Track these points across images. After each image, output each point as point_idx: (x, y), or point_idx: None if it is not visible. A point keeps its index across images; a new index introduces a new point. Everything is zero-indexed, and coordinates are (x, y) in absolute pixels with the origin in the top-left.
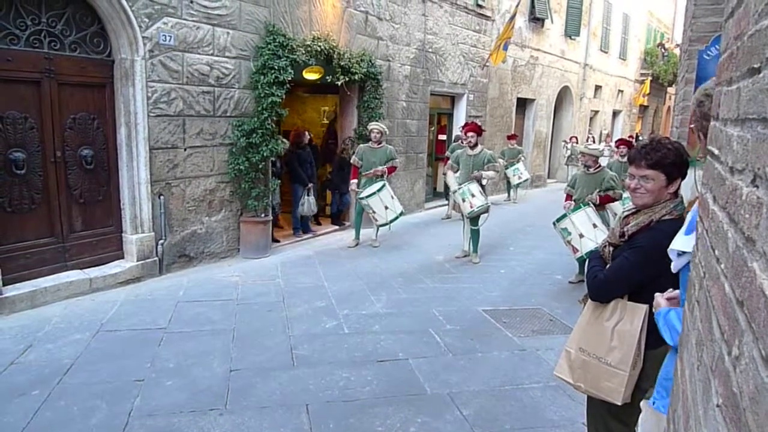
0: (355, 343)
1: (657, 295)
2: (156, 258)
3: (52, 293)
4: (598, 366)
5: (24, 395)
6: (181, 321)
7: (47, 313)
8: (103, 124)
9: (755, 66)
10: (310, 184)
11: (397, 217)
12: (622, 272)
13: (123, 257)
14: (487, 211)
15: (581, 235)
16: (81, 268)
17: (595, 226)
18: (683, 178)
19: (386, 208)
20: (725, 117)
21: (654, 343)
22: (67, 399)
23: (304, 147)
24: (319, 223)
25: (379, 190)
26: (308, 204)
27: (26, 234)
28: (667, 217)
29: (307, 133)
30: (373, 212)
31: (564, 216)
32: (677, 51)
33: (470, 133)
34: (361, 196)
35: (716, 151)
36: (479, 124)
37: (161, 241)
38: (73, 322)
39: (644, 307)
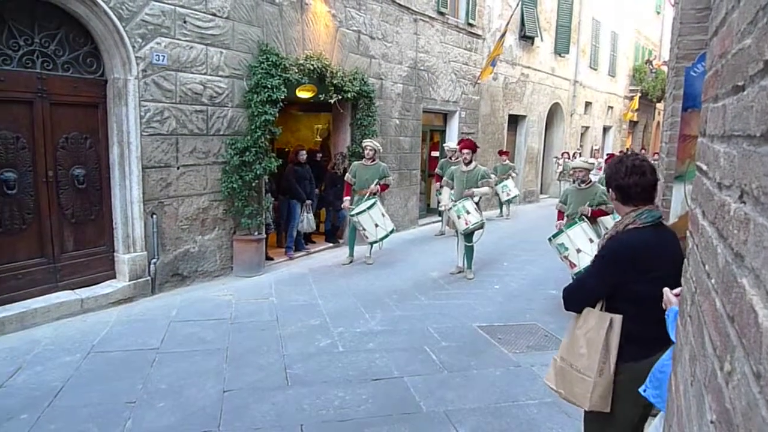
0: (350, 361)
1: (666, 290)
2: (148, 277)
3: (43, 314)
4: (571, 372)
5: (12, 419)
6: (173, 341)
7: (37, 335)
8: (95, 144)
9: (739, 84)
10: (309, 201)
11: (387, 235)
12: (584, 281)
13: (115, 277)
14: (482, 227)
15: (579, 250)
16: (72, 289)
17: (591, 240)
18: (619, 196)
19: (376, 225)
20: (712, 133)
21: (636, 355)
22: (57, 423)
23: (303, 164)
24: (312, 241)
25: (369, 208)
26: (307, 221)
27: (17, 254)
28: (631, 227)
29: (303, 151)
30: (363, 229)
31: (560, 232)
32: (665, 68)
33: (465, 150)
34: (352, 213)
35: (704, 167)
36: (473, 140)
37: (154, 261)
38: (64, 343)
39: (609, 315)
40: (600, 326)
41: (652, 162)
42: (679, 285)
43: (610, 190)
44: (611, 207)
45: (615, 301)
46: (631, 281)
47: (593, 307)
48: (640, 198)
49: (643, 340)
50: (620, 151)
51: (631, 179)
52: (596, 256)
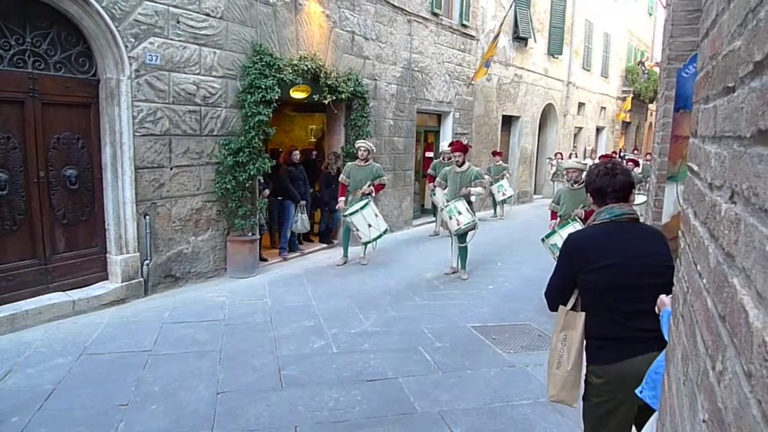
0: (344, 362)
1: (662, 296)
2: (141, 279)
3: (34, 316)
4: (547, 365)
5: (2, 422)
6: (166, 343)
7: (28, 337)
8: (87, 144)
9: (730, 85)
10: (303, 202)
11: (380, 236)
12: (550, 278)
13: (107, 278)
14: (474, 228)
15: None
16: (64, 290)
17: None
18: (594, 198)
19: (369, 225)
20: (703, 134)
21: (609, 357)
22: (48, 426)
23: (297, 164)
24: (310, 240)
25: (362, 208)
26: (301, 221)
27: (7, 256)
28: (592, 224)
29: (297, 152)
30: (357, 230)
31: (553, 232)
32: (657, 69)
33: (456, 153)
34: (345, 213)
35: (696, 168)
36: (464, 141)
37: (146, 262)
38: (55, 345)
39: (570, 312)
40: (560, 322)
41: (644, 163)
42: (637, 274)
43: (588, 194)
44: None
45: (581, 298)
46: (581, 272)
47: (565, 304)
48: (613, 198)
49: (610, 337)
50: (613, 152)
51: (603, 180)
52: None
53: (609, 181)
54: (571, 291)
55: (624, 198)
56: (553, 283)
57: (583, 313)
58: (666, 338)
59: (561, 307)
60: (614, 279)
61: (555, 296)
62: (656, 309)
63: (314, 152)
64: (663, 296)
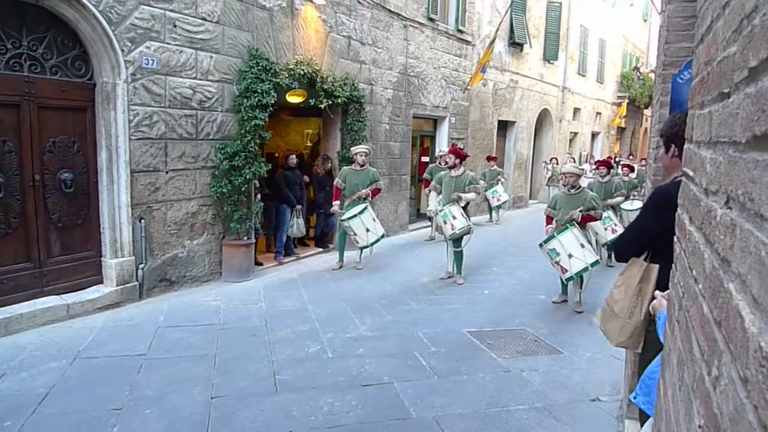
0: (339, 367)
1: (657, 293)
2: (136, 282)
3: (28, 320)
4: (609, 313)
5: None
6: (161, 347)
7: (22, 341)
8: (83, 148)
9: (725, 91)
10: (299, 206)
11: (378, 240)
12: (626, 230)
13: (102, 282)
14: (469, 232)
15: (570, 255)
16: (58, 294)
17: (582, 246)
18: (675, 145)
19: (367, 230)
20: (698, 139)
21: None
22: (42, 430)
23: (293, 169)
24: (306, 244)
25: (360, 213)
26: (297, 225)
27: (2, 259)
28: (677, 179)
29: (293, 156)
30: (355, 234)
31: (551, 237)
32: (652, 75)
33: (449, 156)
34: (343, 218)
35: (691, 173)
36: (461, 148)
37: (141, 266)
38: (49, 349)
39: (646, 264)
40: (637, 273)
41: (639, 169)
42: None
43: (672, 146)
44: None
45: (657, 250)
46: (670, 227)
47: (638, 257)
48: None
49: None
50: (608, 157)
51: None
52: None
53: None
54: (650, 244)
55: None
56: (633, 234)
57: (657, 266)
58: (662, 342)
59: (635, 259)
60: None
61: (632, 247)
62: (650, 311)
63: (296, 159)
64: (659, 295)
